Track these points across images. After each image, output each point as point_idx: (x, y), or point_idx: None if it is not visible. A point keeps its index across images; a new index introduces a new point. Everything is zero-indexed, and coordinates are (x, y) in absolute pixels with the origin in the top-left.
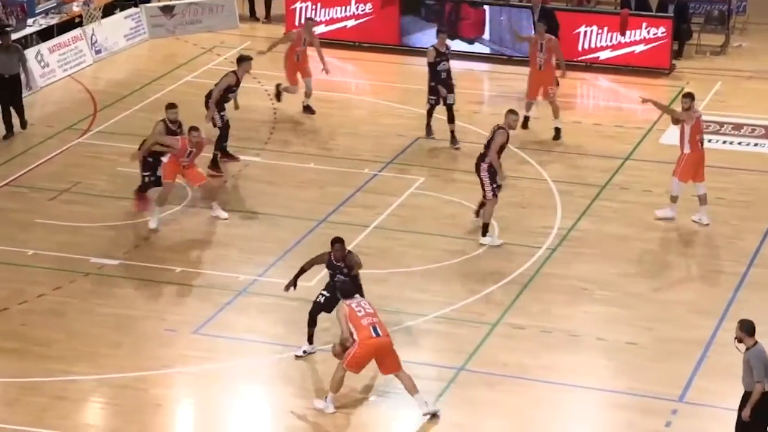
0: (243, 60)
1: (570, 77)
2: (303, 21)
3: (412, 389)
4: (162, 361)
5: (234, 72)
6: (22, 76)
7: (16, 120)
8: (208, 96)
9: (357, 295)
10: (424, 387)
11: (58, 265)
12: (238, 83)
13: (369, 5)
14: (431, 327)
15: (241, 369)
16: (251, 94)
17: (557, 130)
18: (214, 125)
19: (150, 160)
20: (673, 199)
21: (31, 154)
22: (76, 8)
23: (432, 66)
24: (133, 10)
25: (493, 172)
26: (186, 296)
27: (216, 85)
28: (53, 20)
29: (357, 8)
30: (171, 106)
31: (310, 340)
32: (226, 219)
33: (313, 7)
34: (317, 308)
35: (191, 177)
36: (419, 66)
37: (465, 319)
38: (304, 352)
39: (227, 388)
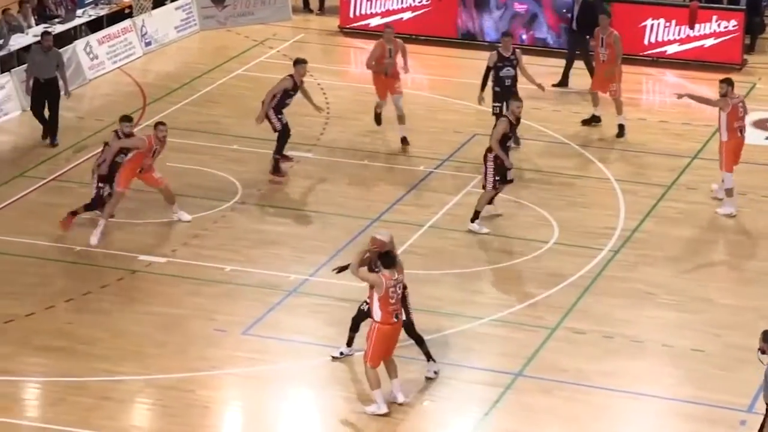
0: (298, 62)
1: (635, 72)
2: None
3: (394, 374)
4: (210, 361)
5: (291, 76)
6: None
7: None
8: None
9: (395, 269)
10: (480, 393)
11: (106, 262)
12: (295, 87)
13: None
14: (487, 330)
15: (291, 371)
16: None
17: (620, 127)
18: (274, 129)
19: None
20: (729, 192)
21: (79, 147)
22: None
23: (494, 71)
24: (184, 1)
25: (499, 164)
26: (235, 296)
27: (271, 89)
28: (103, 11)
29: (414, 0)
30: (126, 119)
31: (350, 344)
32: (189, 221)
33: None
34: (362, 316)
35: (150, 182)
36: (478, 60)
37: (523, 323)
38: (341, 353)
39: (277, 390)
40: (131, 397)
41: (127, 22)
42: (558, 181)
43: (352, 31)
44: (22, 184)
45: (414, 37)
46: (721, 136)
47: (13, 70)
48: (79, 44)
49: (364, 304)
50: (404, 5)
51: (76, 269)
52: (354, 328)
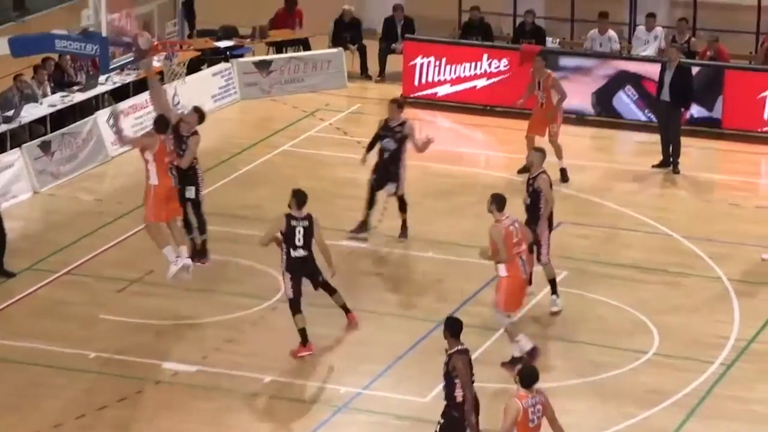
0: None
1: (752, 152)
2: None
3: None
4: None
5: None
6: None
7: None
8: None
9: (536, 388)
10: None
11: (124, 371)
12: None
13: (504, 61)
14: None
15: None
16: (354, 164)
17: (563, 172)
18: None
19: None
20: None
21: (98, 235)
22: (157, 64)
23: (377, 139)
24: (223, 65)
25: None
26: (275, 412)
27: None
28: (129, 77)
29: (489, 65)
30: None
31: None
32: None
33: (437, 63)
34: None
35: None
36: (567, 135)
37: None
38: None
39: None
40: None
41: None
42: (659, 280)
43: (417, 101)
44: (32, 278)
45: (489, 108)
46: None
47: (24, 145)
48: (101, 116)
49: (438, 425)
50: (478, 71)
51: (89, 379)
52: None
